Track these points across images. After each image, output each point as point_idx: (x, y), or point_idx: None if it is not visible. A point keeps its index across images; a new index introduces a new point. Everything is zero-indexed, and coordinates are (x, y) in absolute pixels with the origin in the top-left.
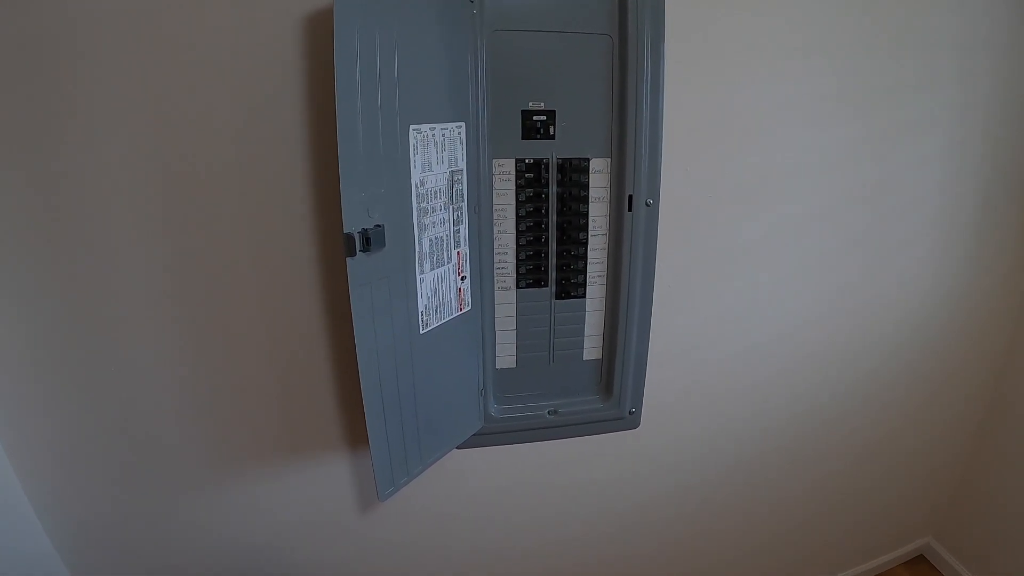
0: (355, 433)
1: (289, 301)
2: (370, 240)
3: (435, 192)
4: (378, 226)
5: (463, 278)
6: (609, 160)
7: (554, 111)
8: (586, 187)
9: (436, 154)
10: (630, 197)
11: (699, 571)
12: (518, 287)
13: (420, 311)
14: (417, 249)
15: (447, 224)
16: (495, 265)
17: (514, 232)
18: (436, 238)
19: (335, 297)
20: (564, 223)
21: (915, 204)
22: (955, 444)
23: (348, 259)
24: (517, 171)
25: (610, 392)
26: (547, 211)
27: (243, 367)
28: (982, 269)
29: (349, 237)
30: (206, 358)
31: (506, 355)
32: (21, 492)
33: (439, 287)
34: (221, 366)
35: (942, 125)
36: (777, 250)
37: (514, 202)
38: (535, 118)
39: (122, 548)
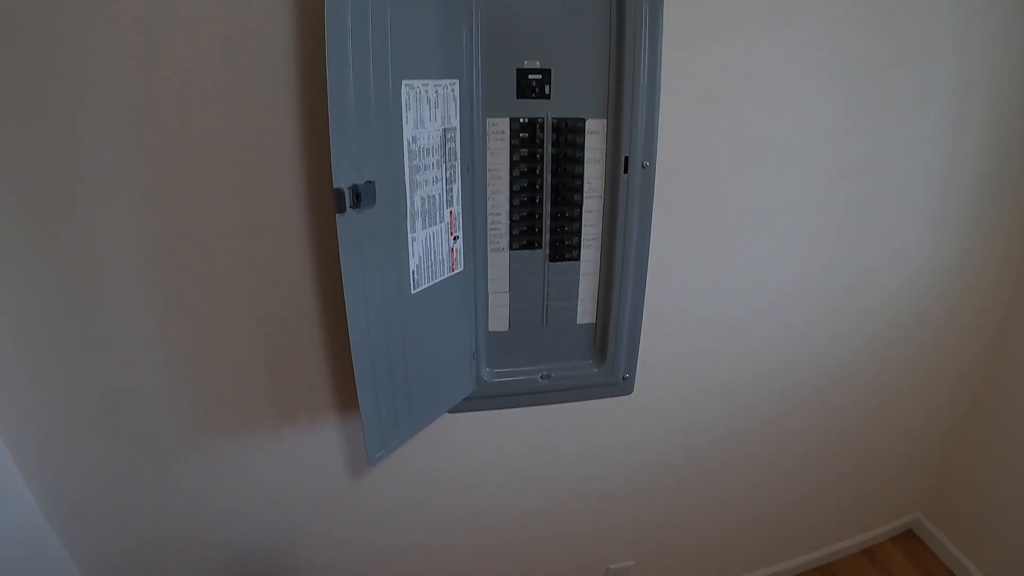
0: (346, 397)
1: (277, 262)
2: (360, 196)
3: (427, 150)
4: (369, 182)
5: (456, 238)
6: (605, 121)
7: (550, 70)
8: (581, 148)
9: (429, 111)
10: (626, 159)
11: (688, 541)
12: (511, 249)
13: (412, 271)
14: (409, 207)
15: (440, 182)
16: (488, 226)
17: (508, 192)
18: (428, 196)
19: (325, 257)
20: (559, 184)
21: (910, 180)
22: (946, 422)
23: (338, 215)
24: (511, 130)
25: (604, 357)
26: (541, 172)
27: (230, 330)
28: (976, 248)
29: (339, 192)
30: (192, 322)
31: (499, 318)
32: (11, 463)
33: (431, 247)
34: (208, 329)
35: (940, 101)
36: (773, 219)
37: (508, 162)
38: (530, 77)
39: (113, 518)
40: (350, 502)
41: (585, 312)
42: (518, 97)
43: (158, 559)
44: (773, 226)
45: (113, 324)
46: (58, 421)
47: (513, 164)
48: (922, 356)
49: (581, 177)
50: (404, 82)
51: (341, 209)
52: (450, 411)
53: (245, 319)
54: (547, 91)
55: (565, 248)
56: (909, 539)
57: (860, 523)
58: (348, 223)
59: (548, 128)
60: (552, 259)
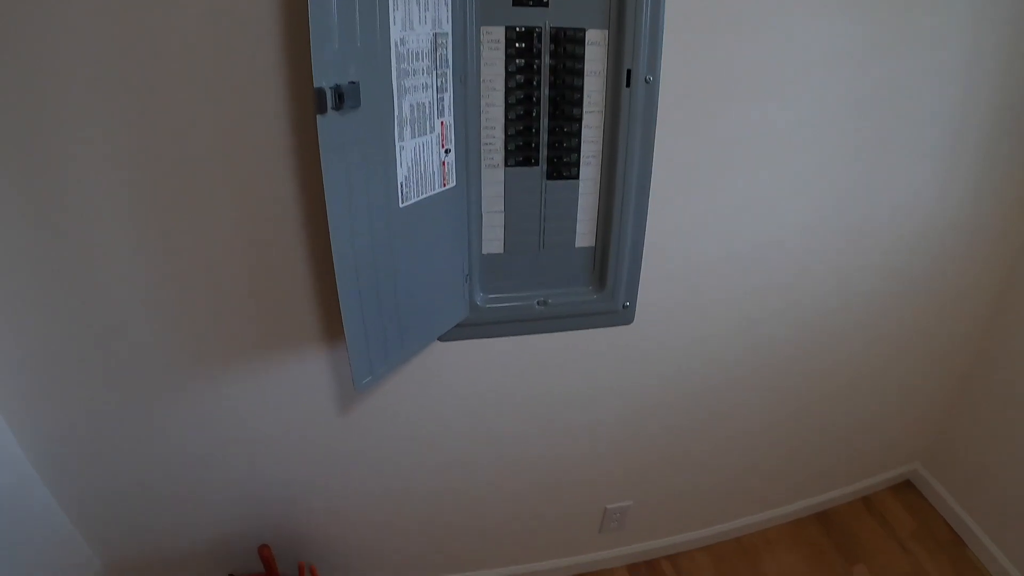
0: (334, 326)
1: (260, 183)
2: (343, 97)
3: (417, 54)
4: (352, 83)
5: (447, 151)
6: (606, 32)
7: None
8: (581, 59)
9: (419, 12)
10: (628, 72)
11: (686, 482)
12: (507, 165)
13: (400, 182)
14: (396, 113)
15: (430, 90)
16: (482, 140)
17: (503, 105)
18: (418, 104)
19: (310, 176)
20: (557, 97)
21: (923, 117)
22: (949, 373)
23: (318, 117)
24: (507, 39)
25: (603, 283)
26: (539, 84)
27: (212, 258)
28: (988, 194)
29: (320, 92)
30: (171, 251)
31: (493, 239)
32: None
33: (421, 157)
34: (188, 258)
35: (958, 36)
36: (780, 148)
37: (503, 73)
38: None
39: (99, 464)
40: (338, 438)
41: (584, 235)
42: (514, 4)
43: (146, 505)
44: (781, 156)
45: (91, 258)
46: (40, 365)
47: (509, 75)
48: (926, 306)
49: (581, 90)
50: None
51: (322, 110)
52: (441, 339)
53: (227, 243)
54: None
55: (563, 165)
56: (907, 489)
57: (858, 471)
58: (330, 125)
59: (546, 38)
60: (550, 177)
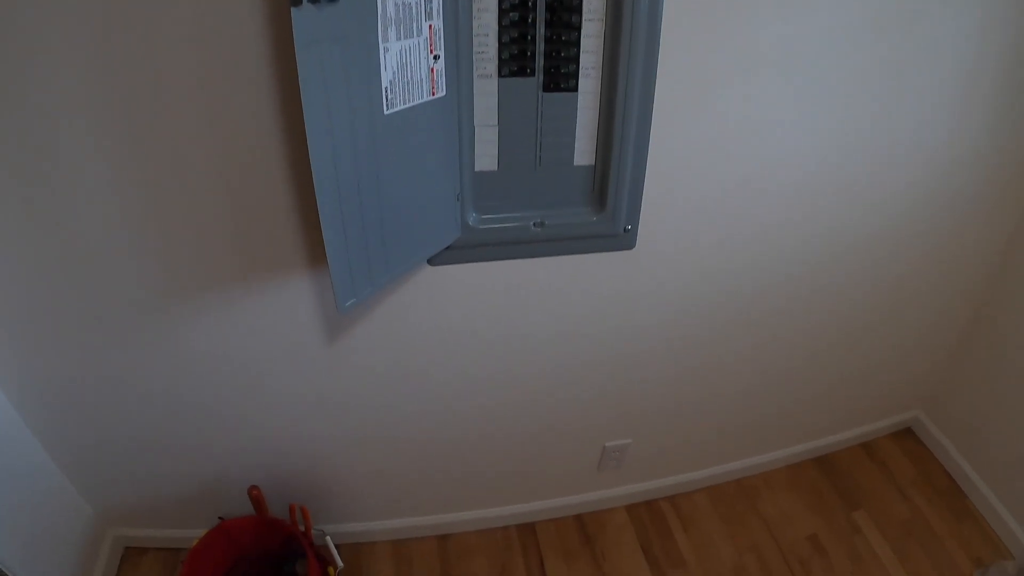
0: (317, 248)
1: (235, 93)
2: None
3: None
4: None
5: (436, 57)
6: None
7: None
8: None
9: None
10: None
11: (686, 422)
12: (500, 75)
13: (384, 86)
14: (380, 11)
15: None
16: (474, 48)
17: (496, 11)
18: (403, 3)
19: (287, 83)
20: (554, 3)
21: (940, 44)
22: (953, 320)
23: (293, 10)
24: None
25: (603, 204)
26: None
27: (186, 175)
28: (1005, 135)
29: None
30: (145, 171)
31: (486, 155)
32: None
33: (407, 61)
34: (163, 182)
35: None
36: (794, 66)
37: None
38: None
39: (85, 409)
40: (325, 372)
41: (583, 152)
42: None
43: (134, 451)
44: (795, 75)
45: (63, 188)
46: (20, 312)
47: None
48: (933, 252)
49: None
50: None
51: (296, 2)
52: (432, 263)
53: (202, 163)
54: None
55: (561, 77)
56: (907, 436)
57: (859, 416)
58: (305, 19)
59: None
60: (546, 89)
